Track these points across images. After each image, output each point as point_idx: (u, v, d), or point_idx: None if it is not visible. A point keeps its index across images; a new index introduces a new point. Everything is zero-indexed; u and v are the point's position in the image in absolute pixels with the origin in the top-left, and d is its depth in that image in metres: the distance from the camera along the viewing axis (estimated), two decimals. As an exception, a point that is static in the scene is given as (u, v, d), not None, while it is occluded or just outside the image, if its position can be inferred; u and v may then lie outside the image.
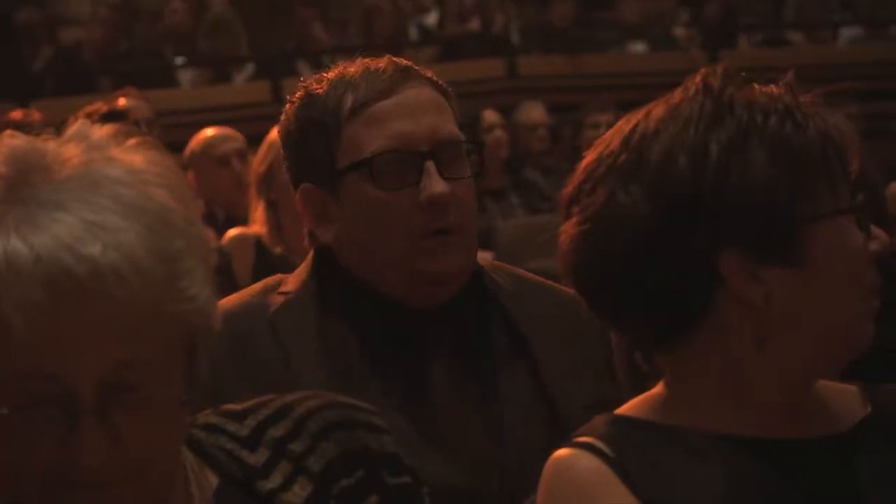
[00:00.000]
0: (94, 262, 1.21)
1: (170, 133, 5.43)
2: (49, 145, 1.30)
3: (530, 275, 2.23)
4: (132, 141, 1.31)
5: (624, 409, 1.57)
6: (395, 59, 2.11)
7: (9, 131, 1.33)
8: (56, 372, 1.23)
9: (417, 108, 2.04)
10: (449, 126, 2.07)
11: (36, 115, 5.13)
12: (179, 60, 10.20)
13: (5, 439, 1.25)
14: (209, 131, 5.23)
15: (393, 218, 2.02)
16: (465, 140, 2.08)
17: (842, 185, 1.54)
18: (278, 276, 2.16)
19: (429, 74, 2.11)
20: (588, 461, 1.50)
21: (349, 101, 2.04)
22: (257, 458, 1.42)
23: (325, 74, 2.11)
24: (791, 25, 11.52)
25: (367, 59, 2.11)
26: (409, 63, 2.12)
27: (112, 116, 4.36)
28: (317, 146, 2.07)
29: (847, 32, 11.28)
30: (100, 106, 4.58)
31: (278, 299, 2.08)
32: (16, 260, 1.21)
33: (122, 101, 5.29)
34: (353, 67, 2.08)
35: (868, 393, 1.61)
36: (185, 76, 10.22)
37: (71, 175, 1.26)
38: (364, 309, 2.07)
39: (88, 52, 9.90)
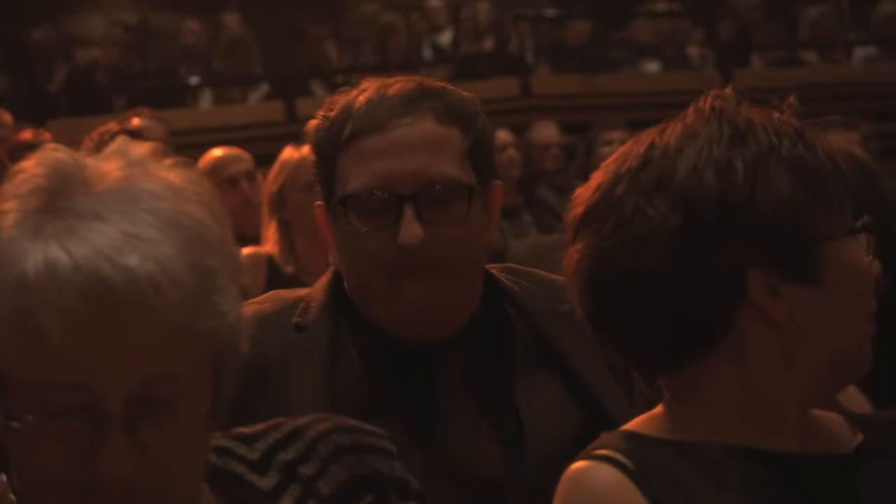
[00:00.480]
0: (132, 273, 1.22)
1: (185, 152, 5.42)
2: (89, 160, 1.31)
3: (544, 273, 2.18)
4: (169, 160, 1.33)
5: (630, 427, 1.57)
6: (412, 81, 2.04)
7: (51, 144, 1.35)
8: (87, 382, 1.23)
9: (406, 147, 1.97)
10: (441, 166, 1.98)
11: (47, 134, 5.15)
12: (194, 80, 10.23)
13: (32, 447, 1.26)
14: (217, 152, 5.22)
15: (371, 256, 1.98)
16: (461, 180, 1.99)
17: (847, 207, 1.56)
18: (302, 293, 2.13)
19: (447, 99, 2.03)
20: (609, 473, 1.50)
21: (346, 131, 1.99)
22: (267, 482, 1.42)
23: (339, 97, 2.06)
24: (804, 45, 11.51)
25: (384, 82, 2.05)
26: (431, 85, 2.05)
27: (113, 137, 4.35)
28: (321, 171, 2.05)
29: (861, 52, 11.27)
30: (112, 126, 4.59)
31: (295, 317, 2.06)
32: (55, 267, 1.22)
33: (135, 121, 5.31)
34: (365, 92, 2.02)
35: (855, 421, 1.63)
36: (200, 95, 10.24)
37: (110, 188, 1.28)
38: (367, 338, 2.03)
39: (103, 71, 9.94)
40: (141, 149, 1.33)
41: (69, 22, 11.60)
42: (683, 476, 1.49)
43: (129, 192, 1.27)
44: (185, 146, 5.81)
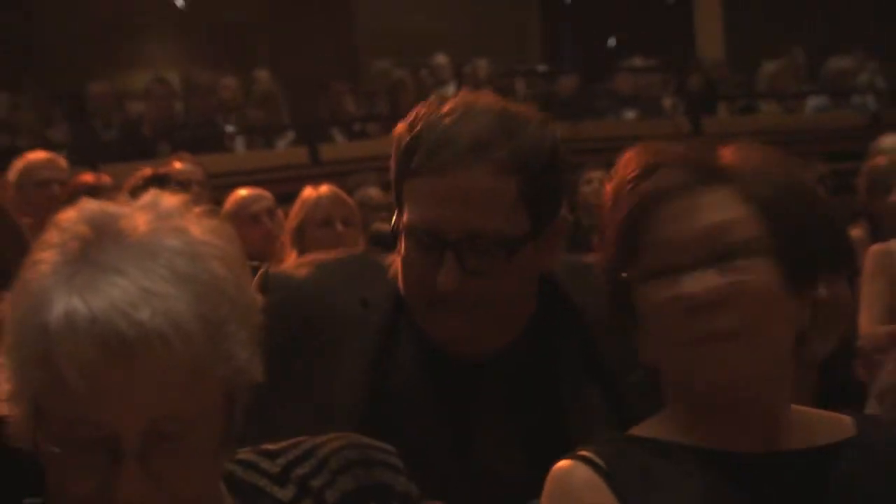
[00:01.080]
0: (143, 327, 1.20)
1: (221, 192, 5.45)
2: (123, 210, 1.28)
3: (579, 259, 1.98)
4: (198, 210, 1.30)
5: (635, 428, 1.56)
6: (492, 115, 1.80)
7: (84, 198, 1.32)
8: (103, 420, 1.21)
9: (458, 198, 1.76)
10: (489, 221, 1.77)
11: (106, 178, 5.15)
12: (230, 128, 10.25)
13: (59, 473, 1.24)
14: (242, 192, 5.25)
15: (415, 282, 1.82)
16: (507, 234, 1.78)
17: (648, 249, 1.51)
18: (387, 259, 1.91)
19: (519, 142, 1.79)
20: (582, 471, 1.49)
21: (413, 163, 1.79)
22: (286, 494, 1.40)
23: (425, 109, 1.82)
24: (764, 95, 11.53)
25: (470, 106, 1.81)
26: (510, 120, 1.80)
27: (156, 180, 4.43)
28: (395, 181, 1.84)
29: (813, 101, 11.29)
30: (146, 171, 4.61)
31: (364, 290, 1.89)
32: (74, 319, 1.20)
33: (177, 165, 5.31)
34: (446, 119, 1.79)
35: (858, 421, 1.58)
36: (235, 142, 10.26)
37: (136, 242, 1.25)
38: (419, 339, 1.86)
39: (150, 121, 9.96)
40: (172, 201, 1.30)
41: (121, 78, 11.63)
42: (653, 473, 1.48)
43: (151, 248, 1.24)
44: (221, 187, 5.82)
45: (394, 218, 1.85)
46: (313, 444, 1.44)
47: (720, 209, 1.48)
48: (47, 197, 5.01)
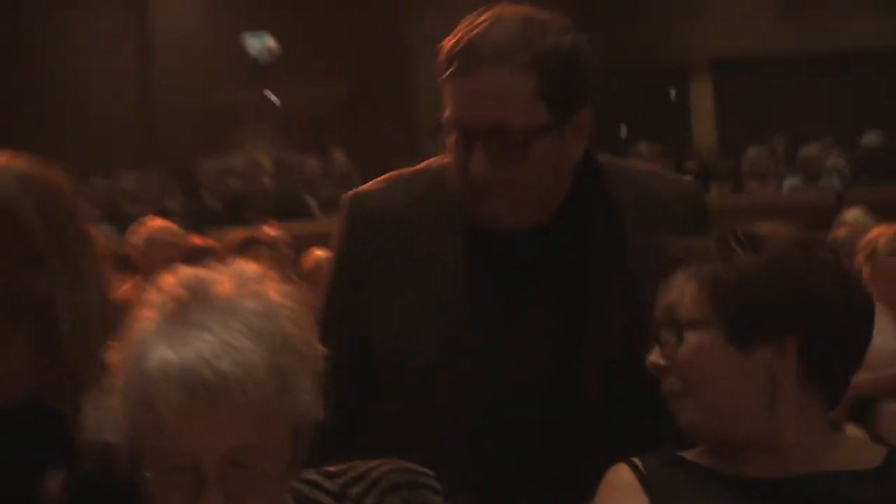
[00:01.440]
0: (223, 375, 1.22)
1: (303, 251, 5.52)
2: (214, 276, 1.30)
3: (650, 170, 1.89)
4: (275, 276, 1.32)
5: (686, 452, 1.52)
6: (517, 23, 1.70)
7: (179, 265, 1.34)
8: (189, 451, 1.24)
9: (483, 95, 1.67)
10: (511, 115, 1.66)
11: (212, 241, 5.25)
12: (311, 201, 10.36)
13: (154, 494, 1.27)
14: (318, 252, 5.34)
15: (457, 174, 1.72)
16: (527, 126, 1.67)
17: None
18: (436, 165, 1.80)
19: (541, 46, 1.68)
20: (626, 473, 1.49)
21: (449, 68, 1.70)
22: None
23: (466, 21, 1.72)
24: (748, 176, 11.53)
25: (499, 15, 1.71)
26: (533, 26, 1.69)
27: (249, 241, 4.53)
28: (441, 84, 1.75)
29: (789, 182, 11.27)
30: (240, 234, 4.72)
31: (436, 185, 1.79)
32: (167, 368, 1.23)
33: (267, 230, 5.41)
34: (478, 27, 1.70)
35: (890, 453, 1.49)
36: (315, 211, 10.36)
37: (222, 303, 1.27)
38: (471, 235, 1.75)
39: (249, 195, 10.08)
40: (254, 269, 1.32)
41: (225, 159, 11.80)
42: (682, 489, 1.47)
43: (233, 308, 1.26)
44: (303, 247, 5.91)
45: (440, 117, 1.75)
46: (367, 468, 1.43)
47: (675, 289, 1.50)
48: (165, 257, 5.12)
